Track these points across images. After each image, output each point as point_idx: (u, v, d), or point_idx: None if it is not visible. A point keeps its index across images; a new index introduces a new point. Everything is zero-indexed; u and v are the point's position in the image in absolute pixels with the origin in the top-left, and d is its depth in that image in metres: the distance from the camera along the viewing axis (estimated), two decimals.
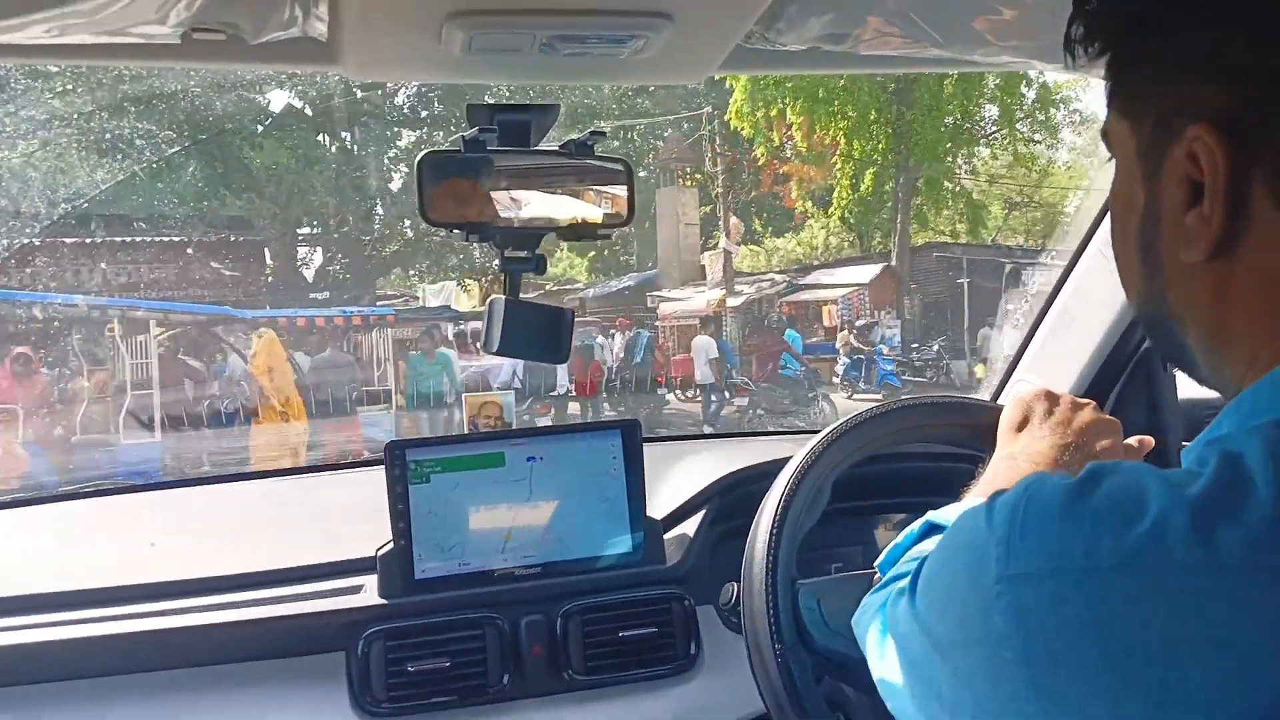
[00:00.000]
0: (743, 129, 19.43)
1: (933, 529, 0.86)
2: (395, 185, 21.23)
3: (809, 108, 18.41)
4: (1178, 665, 0.46)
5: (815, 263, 23.32)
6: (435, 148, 1.14)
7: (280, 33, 0.90)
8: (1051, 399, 1.04)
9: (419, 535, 1.36)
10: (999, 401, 1.75)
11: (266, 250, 19.92)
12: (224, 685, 1.31)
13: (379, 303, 19.36)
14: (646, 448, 1.45)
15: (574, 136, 1.18)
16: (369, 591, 1.36)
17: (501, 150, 1.15)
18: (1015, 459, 0.97)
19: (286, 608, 1.34)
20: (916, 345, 18.59)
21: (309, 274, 21.35)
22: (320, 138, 20.20)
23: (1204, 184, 0.54)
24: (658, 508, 1.49)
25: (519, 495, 1.40)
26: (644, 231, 24.95)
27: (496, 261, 1.19)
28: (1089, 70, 0.67)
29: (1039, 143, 22.15)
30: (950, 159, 20.32)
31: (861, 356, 16.76)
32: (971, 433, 1.20)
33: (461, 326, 15.92)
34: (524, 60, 0.97)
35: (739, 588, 1.16)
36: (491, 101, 1.14)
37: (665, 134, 24.30)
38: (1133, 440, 1.07)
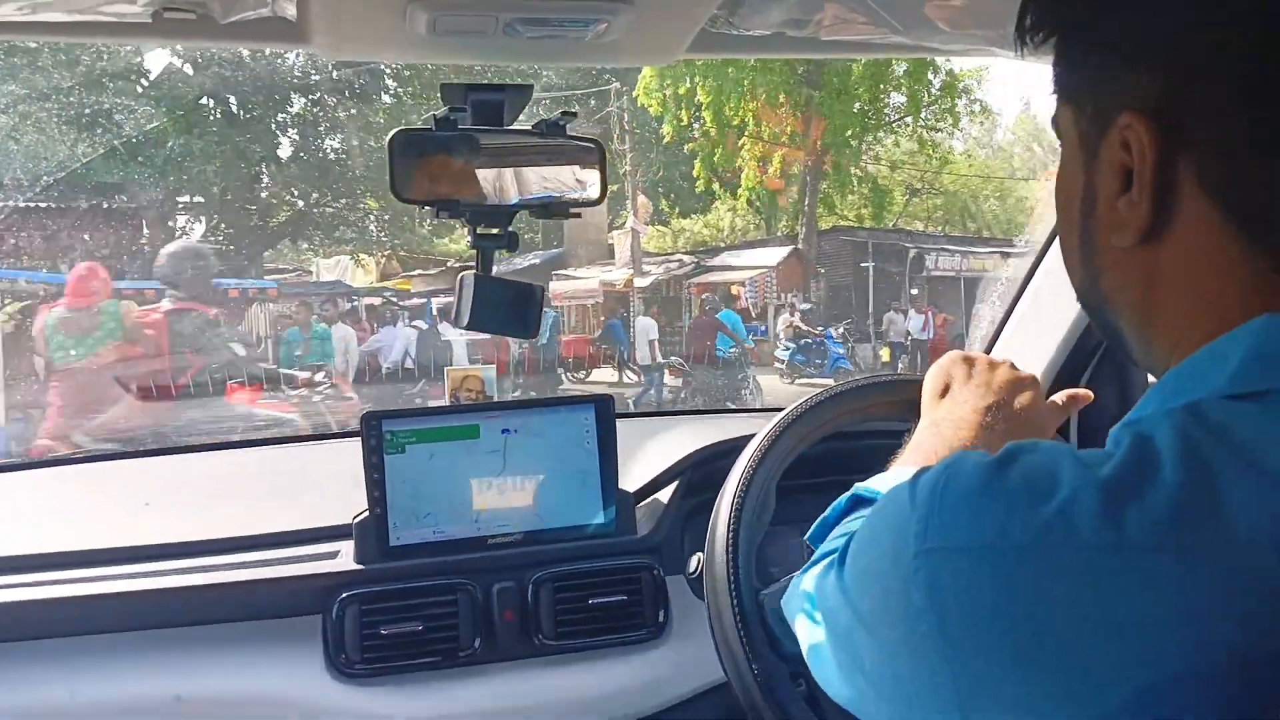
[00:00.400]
0: (651, 106, 19.15)
1: (859, 501, 0.88)
2: (284, 152, 19.92)
3: (718, 87, 18.22)
4: (1081, 642, 0.47)
5: (722, 245, 23.21)
6: (407, 126, 1.16)
7: (250, 12, 0.92)
8: (969, 361, 1.04)
9: (394, 504, 1.39)
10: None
11: (144, 219, 17.89)
12: (204, 645, 1.35)
13: (266, 276, 18.60)
14: (619, 423, 1.48)
15: (545, 117, 1.21)
16: (345, 557, 1.40)
17: (474, 130, 1.18)
18: (939, 425, 0.98)
19: (265, 571, 1.38)
20: (822, 328, 18.17)
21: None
22: (204, 101, 18.28)
23: (1134, 170, 0.56)
24: (629, 481, 1.52)
25: (493, 467, 1.43)
26: None
27: (469, 238, 1.22)
28: (1039, 58, 0.69)
29: (940, 130, 22.13)
30: (857, 143, 20.35)
31: (810, 340, 16.55)
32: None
33: (355, 302, 15.40)
34: (489, 41, 1.00)
35: (702, 559, 1.20)
36: (462, 81, 1.16)
37: (573, 110, 23.83)
38: (1059, 397, 1.08)
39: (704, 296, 17.55)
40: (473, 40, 1.01)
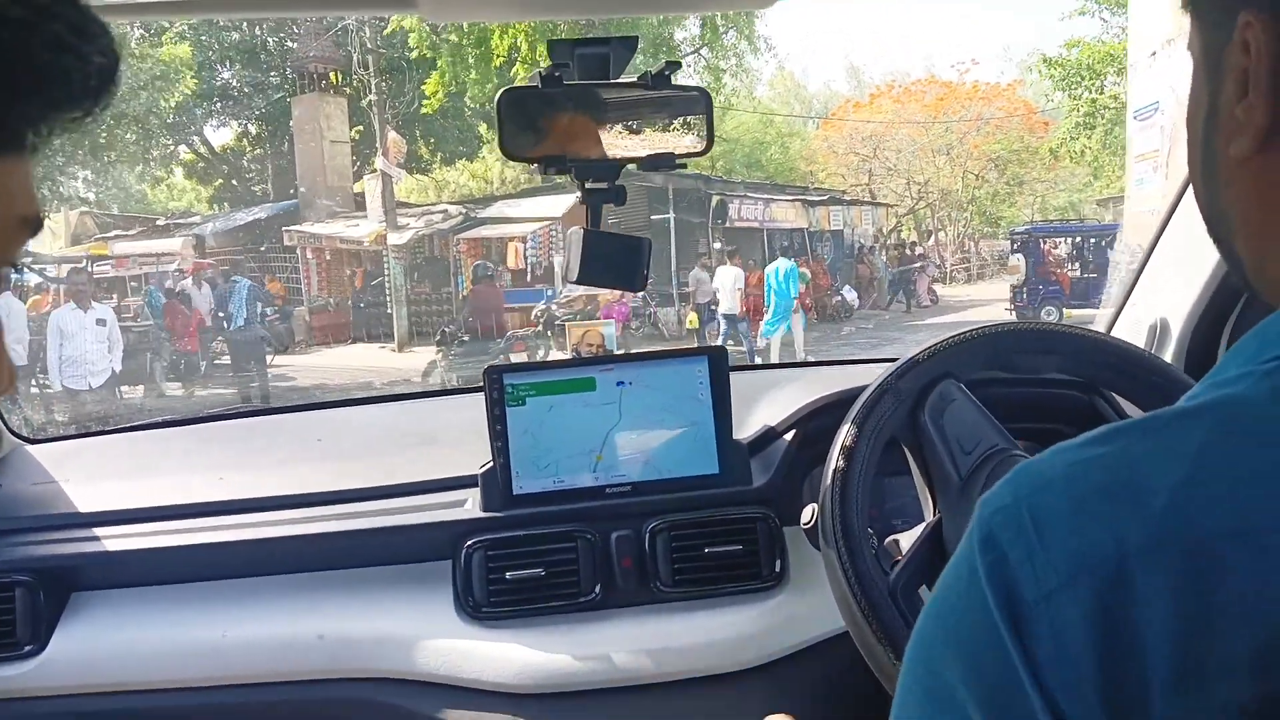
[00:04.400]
0: (401, 23, 16.48)
1: None
2: None
3: None
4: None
5: (496, 194, 19.63)
6: (514, 84, 1.18)
7: None
8: None
9: (516, 454, 1.44)
10: (1113, 334, 1.71)
11: None
12: (343, 588, 1.44)
13: None
14: (732, 375, 1.49)
15: (649, 69, 1.21)
16: (472, 505, 1.46)
17: (579, 84, 1.20)
18: None
19: (398, 519, 1.46)
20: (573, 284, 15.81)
21: None
22: None
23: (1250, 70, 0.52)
24: (743, 432, 1.53)
25: (609, 418, 1.46)
26: (283, 154, 19.87)
27: (578, 193, 1.24)
28: None
29: (725, 71, 20.51)
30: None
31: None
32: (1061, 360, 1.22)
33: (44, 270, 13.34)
34: None
35: (817, 510, 1.20)
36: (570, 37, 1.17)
37: (298, 29, 19.26)
38: None
39: (476, 264, 14.96)
40: None
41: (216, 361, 13.58)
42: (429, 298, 17.50)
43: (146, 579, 1.44)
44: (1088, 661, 0.43)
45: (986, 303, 20.49)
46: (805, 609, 1.43)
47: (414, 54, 17.81)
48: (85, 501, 1.51)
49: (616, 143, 1.24)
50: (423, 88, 18.21)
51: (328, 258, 17.90)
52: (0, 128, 0.41)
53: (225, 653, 1.38)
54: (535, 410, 1.45)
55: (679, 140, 1.26)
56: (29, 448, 1.66)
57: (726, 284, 13.32)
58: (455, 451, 1.55)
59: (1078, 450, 0.49)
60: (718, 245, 16.84)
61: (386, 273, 16.62)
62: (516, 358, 9.99)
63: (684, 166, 1.25)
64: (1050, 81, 20.91)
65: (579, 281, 1.23)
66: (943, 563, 1.13)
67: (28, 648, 1.38)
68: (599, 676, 1.36)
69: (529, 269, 16.53)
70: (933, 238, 27.76)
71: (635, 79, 1.22)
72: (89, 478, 1.58)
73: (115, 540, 1.44)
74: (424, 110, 18.86)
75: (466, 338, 12.66)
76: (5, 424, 1.62)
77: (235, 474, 1.57)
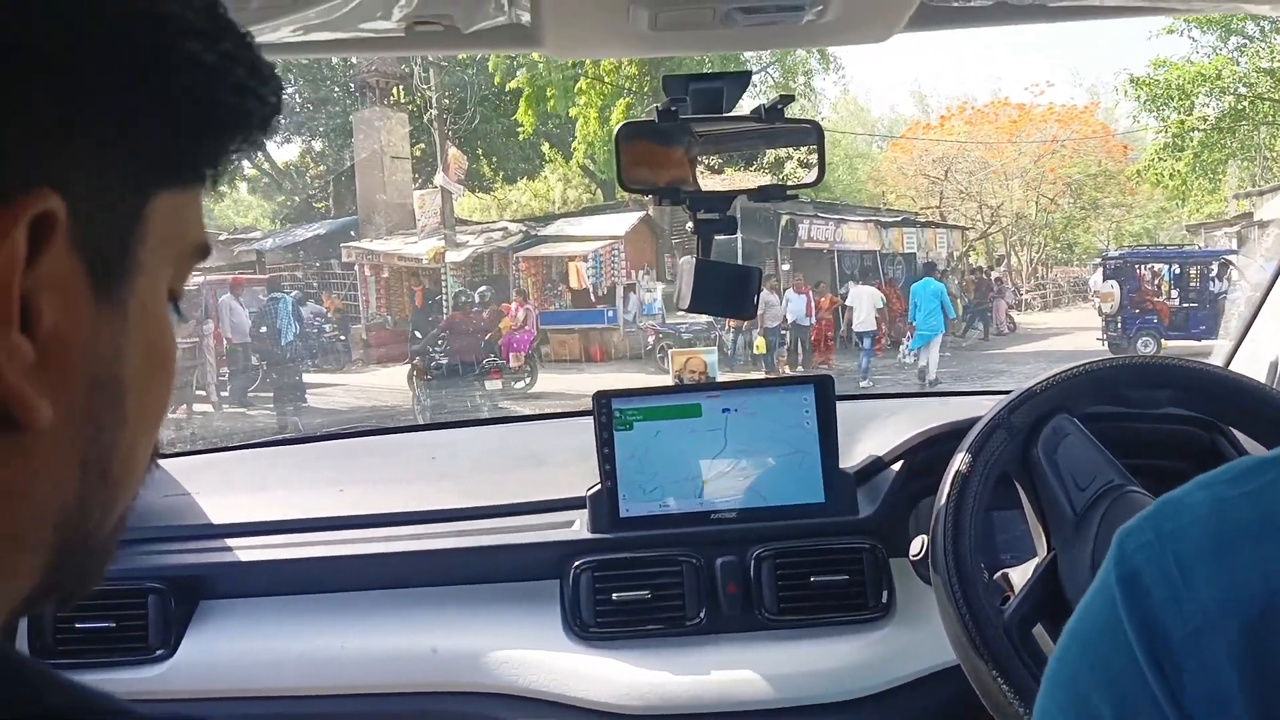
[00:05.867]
0: None
1: None
2: None
3: None
4: None
5: (555, 213, 18.82)
6: (634, 119, 1.22)
7: (490, 21, 1.01)
8: None
9: (623, 477, 1.47)
10: (1231, 367, 1.66)
11: None
12: (456, 603, 1.48)
13: None
14: (839, 405, 1.49)
15: (762, 102, 1.23)
16: (580, 527, 1.49)
17: (694, 118, 1.23)
18: None
19: (510, 537, 1.50)
20: (684, 313, 14.69)
21: None
22: None
23: None
24: (850, 461, 1.53)
25: (715, 444, 1.48)
26: (345, 170, 19.16)
27: (643, 211, 1.27)
28: None
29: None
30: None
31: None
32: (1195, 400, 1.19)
33: None
34: (706, 33, 1.04)
35: (928, 541, 1.19)
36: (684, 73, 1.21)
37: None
38: None
39: (458, 290, 14.23)
40: (691, 33, 1.05)
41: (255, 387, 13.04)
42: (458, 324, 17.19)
43: (270, 589, 1.51)
44: (1236, 702, 0.43)
45: (1066, 331, 19.75)
46: (913, 641, 1.41)
47: (494, 77, 17.59)
48: (213, 514, 1.59)
49: (729, 174, 1.27)
50: (515, 116, 18.12)
51: (385, 275, 17.68)
52: (187, 164, 0.44)
53: (344, 663, 1.43)
54: (642, 435, 1.48)
55: (790, 171, 1.28)
56: (159, 462, 1.76)
57: (864, 303, 14.07)
58: (564, 473, 1.58)
59: (1221, 485, 0.49)
60: (786, 267, 16.65)
61: (445, 291, 16.23)
62: (491, 385, 9.85)
63: (795, 198, 1.27)
64: (1135, 103, 20.21)
65: (690, 309, 1.26)
66: (1059, 599, 1.12)
67: (159, 651, 1.46)
68: (704, 700, 1.37)
69: (591, 289, 16.25)
70: (1004, 263, 27.01)
71: (749, 112, 1.25)
72: (215, 491, 1.67)
73: (242, 551, 1.52)
74: (522, 137, 18.60)
75: (445, 361, 12.45)
76: None
77: (353, 490, 1.63)
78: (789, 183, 1.27)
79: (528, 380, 12.40)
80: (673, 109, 1.19)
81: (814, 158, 1.27)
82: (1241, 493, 0.48)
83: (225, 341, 12.71)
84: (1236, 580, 0.44)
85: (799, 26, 1.05)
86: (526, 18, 1.01)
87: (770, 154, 1.31)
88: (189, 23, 0.41)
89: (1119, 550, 0.49)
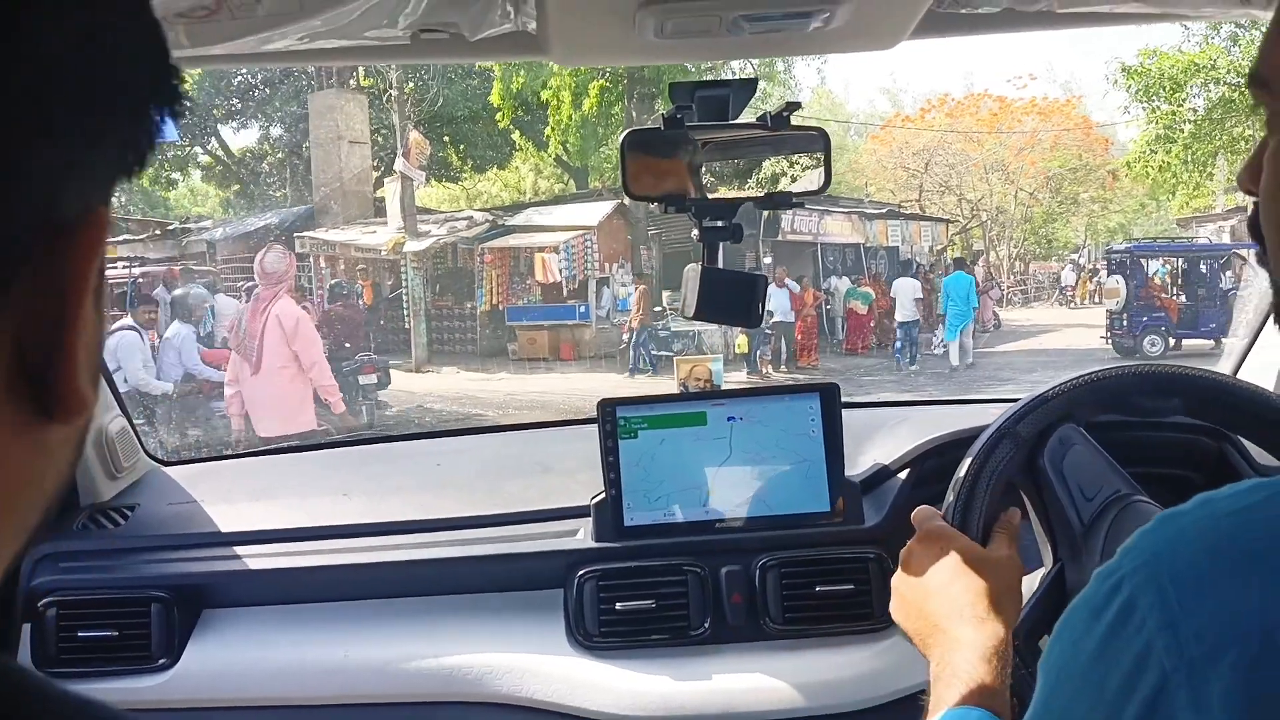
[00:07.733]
0: None
1: None
2: None
3: None
4: None
5: (526, 201, 17.85)
6: (638, 126, 1.21)
7: (495, 29, 1.01)
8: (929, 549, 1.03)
9: (628, 486, 1.46)
10: (1239, 376, 1.65)
11: None
12: (458, 613, 1.48)
13: None
14: (844, 413, 1.48)
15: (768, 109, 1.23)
16: (584, 536, 1.49)
17: (700, 125, 1.22)
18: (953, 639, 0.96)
19: (514, 546, 1.49)
20: (660, 310, 14.05)
21: None
22: None
23: None
24: (853, 470, 1.52)
25: (720, 452, 1.47)
26: (301, 156, 18.38)
27: (695, 232, 1.26)
28: None
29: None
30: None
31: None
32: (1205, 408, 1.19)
33: None
34: (713, 41, 1.03)
35: None
36: (687, 80, 1.20)
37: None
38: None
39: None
40: (698, 40, 1.04)
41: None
42: (450, 312, 16.41)
43: (273, 598, 1.50)
44: None
45: (1054, 328, 19.34)
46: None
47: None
48: (217, 522, 1.58)
49: (734, 181, 1.27)
50: (489, 99, 17.12)
51: (341, 266, 16.67)
52: (126, 176, 0.44)
53: (347, 672, 1.42)
54: (647, 443, 1.47)
55: (795, 177, 1.27)
56: (164, 470, 1.75)
57: (907, 294, 14.69)
58: (568, 481, 1.58)
59: (1223, 503, 0.47)
60: (768, 260, 16.05)
61: (405, 284, 15.29)
62: (365, 380, 9.54)
63: (801, 205, 1.27)
64: (1125, 94, 19.78)
65: (694, 317, 1.25)
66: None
67: (161, 660, 1.45)
68: (709, 710, 1.36)
69: (563, 283, 15.30)
70: (982, 258, 26.72)
71: (755, 119, 1.24)
72: (219, 499, 1.66)
73: (245, 560, 1.51)
74: (500, 124, 17.69)
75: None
76: (142, 446, 1.71)
77: (357, 498, 1.62)
78: (792, 188, 1.26)
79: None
80: (679, 116, 1.19)
81: (819, 162, 1.26)
82: (1242, 511, 0.46)
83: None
84: (1234, 611, 0.43)
85: (805, 34, 1.04)
86: (532, 26, 1.01)
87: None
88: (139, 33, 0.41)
89: (1117, 569, 0.47)
